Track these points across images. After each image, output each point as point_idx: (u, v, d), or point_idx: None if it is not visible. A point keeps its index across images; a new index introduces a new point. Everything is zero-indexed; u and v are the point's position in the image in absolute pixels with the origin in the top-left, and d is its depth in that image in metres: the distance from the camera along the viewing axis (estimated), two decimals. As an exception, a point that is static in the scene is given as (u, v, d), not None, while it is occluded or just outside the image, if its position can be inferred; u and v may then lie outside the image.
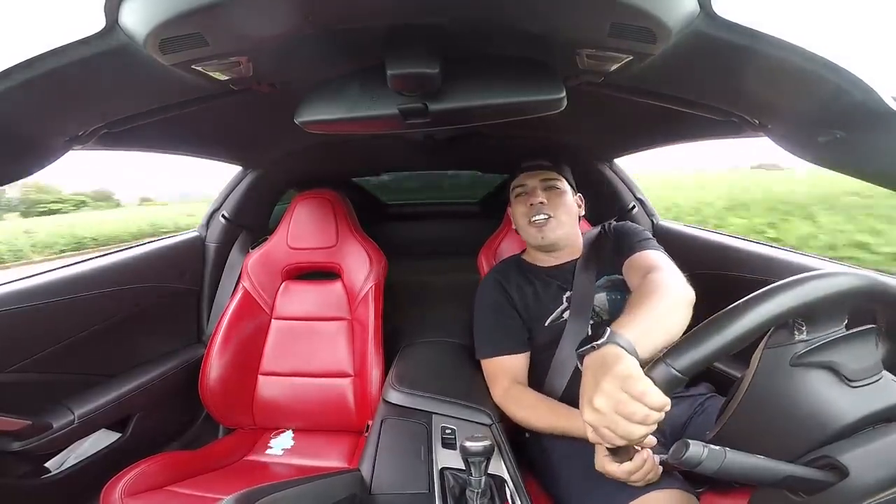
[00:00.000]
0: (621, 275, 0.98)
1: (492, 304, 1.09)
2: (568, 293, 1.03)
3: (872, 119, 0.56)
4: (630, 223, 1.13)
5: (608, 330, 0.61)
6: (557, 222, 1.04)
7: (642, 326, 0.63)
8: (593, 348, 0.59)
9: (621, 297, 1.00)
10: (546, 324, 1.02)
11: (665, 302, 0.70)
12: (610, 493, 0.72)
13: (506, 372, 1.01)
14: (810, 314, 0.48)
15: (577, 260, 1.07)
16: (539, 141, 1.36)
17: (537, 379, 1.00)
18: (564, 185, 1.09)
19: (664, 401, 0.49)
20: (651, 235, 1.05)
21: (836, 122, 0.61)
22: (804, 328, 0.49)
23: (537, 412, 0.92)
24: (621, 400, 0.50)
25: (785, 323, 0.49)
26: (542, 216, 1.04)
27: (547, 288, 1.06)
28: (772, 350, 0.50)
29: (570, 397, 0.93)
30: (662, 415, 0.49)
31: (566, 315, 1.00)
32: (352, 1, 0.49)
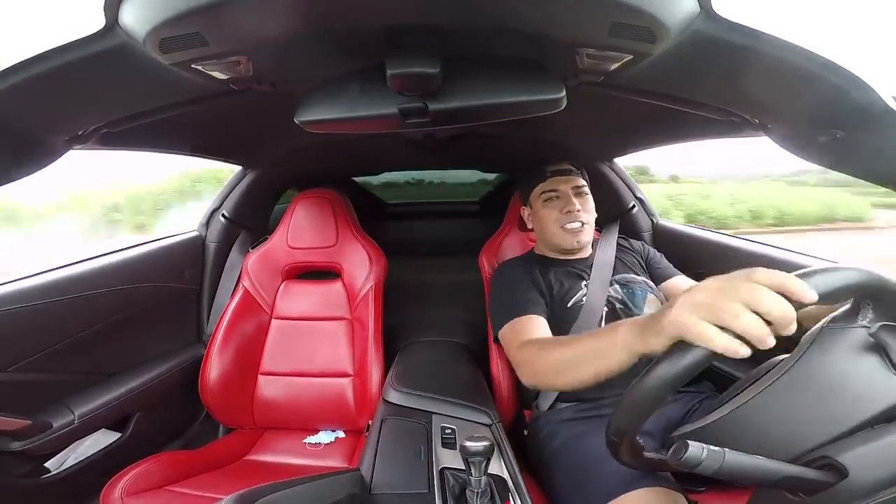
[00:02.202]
0: (636, 275, 1.10)
1: (510, 280, 1.08)
2: (585, 282, 1.07)
3: (872, 119, 0.56)
4: (655, 250, 1.23)
5: None
6: (588, 227, 1.10)
7: None
8: None
9: (633, 291, 1.06)
10: (568, 305, 1.04)
11: None
12: (598, 489, 0.74)
13: (525, 331, 0.92)
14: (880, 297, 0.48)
15: (588, 257, 1.13)
16: (539, 140, 1.36)
17: None
18: (588, 188, 1.13)
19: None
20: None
21: (836, 122, 0.61)
22: (870, 310, 0.49)
23: (570, 349, 0.72)
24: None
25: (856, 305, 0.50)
26: (577, 224, 1.07)
27: (567, 275, 1.09)
28: (833, 328, 0.50)
29: None
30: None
31: (584, 300, 1.04)
32: (352, 1, 0.49)
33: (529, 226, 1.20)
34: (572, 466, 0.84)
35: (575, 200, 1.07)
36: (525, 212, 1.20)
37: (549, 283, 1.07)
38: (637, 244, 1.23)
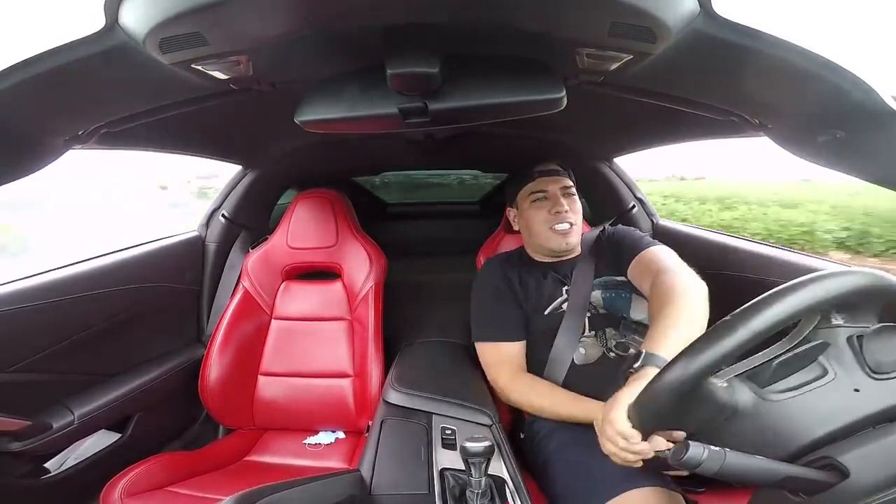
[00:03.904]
0: (619, 276, 1.04)
1: (493, 290, 1.10)
2: (567, 287, 1.06)
3: (872, 119, 0.56)
4: (624, 227, 1.18)
5: (643, 351, 0.69)
6: (576, 228, 1.08)
7: (672, 340, 0.69)
8: (634, 370, 0.68)
9: (616, 295, 1.03)
10: (545, 313, 1.04)
11: (686, 307, 0.76)
12: (595, 489, 0.74)
13: (510, 358, 1.02)
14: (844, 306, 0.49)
15: (576, 258, 1.11)
16: (539, 140, 1.36)
17: (535, 369, 1.02)
18: (574, 189, 1.12)
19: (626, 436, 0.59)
20: (643, 233, 1.11)
21: (836, 122, 0.61)
22: (840, 317, 0.50)
23: (553, 399, 0.93)
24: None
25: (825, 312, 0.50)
26: (566, 224, 1.06)
27: (547, 280, 1.08)
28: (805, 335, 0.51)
29: (568, 387, 0.96)
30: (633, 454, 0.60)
31: (565, 306, 1.03)
32: (351, 1, 0.49)
33: (516, 227, 1.19)
34: (570, 467, 0.84)
35: (563, 201, 1.06)
36: (511, 213, 1.19)
37: (528, 292, 1.07)
38: (609, 230, 1.15)
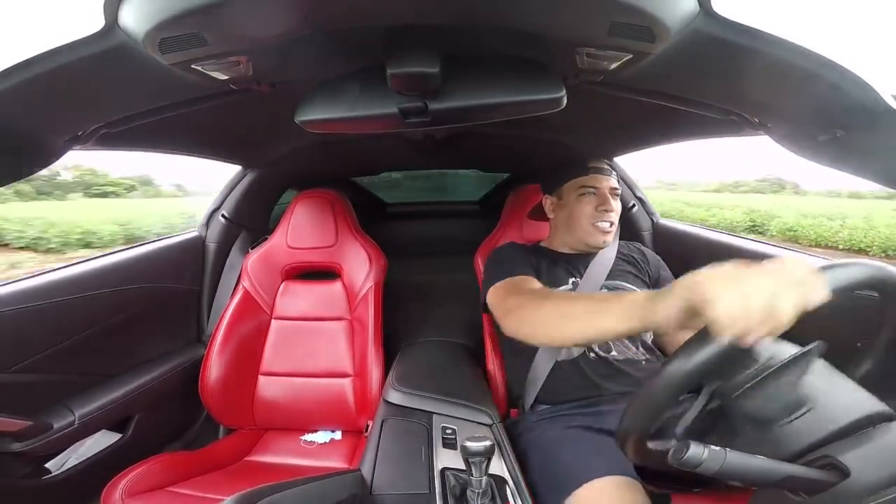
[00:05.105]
0: (629, 285, 1.07)
1: (508, 255, 1.10)
2: (573, 279, 1.07)
3: (872, 118, 0.56)
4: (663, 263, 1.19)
5: None
6: (615, 229, 1.10)
7: None
8: None
9: None
10: None
11: None
12: (563, 479, 0.77)
13: (520, 285, 0.94)
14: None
15: (591, 254, 1.11)
16: (539, 140, 1.36)
17: (521, 363, 1.03)
18: (619, 191, 1.13)
19: None
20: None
21: (836, 120, 0.61)
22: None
23: (564, 299, 0.78)
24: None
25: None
26: (607, 223, 1.07)
27: (557, 268, 1.09)
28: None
29: (550, 384, 0.98)
30: None
31: None
32: (350, 1, 0.49)
33: (551, 215, 1.17)
34: (544, 459, 0.86)
35: (611, 201, 1.07)
36: (548, 201, 1.17)
37: (539, 272, 1.07)
38: (653, 259, 1.19)
